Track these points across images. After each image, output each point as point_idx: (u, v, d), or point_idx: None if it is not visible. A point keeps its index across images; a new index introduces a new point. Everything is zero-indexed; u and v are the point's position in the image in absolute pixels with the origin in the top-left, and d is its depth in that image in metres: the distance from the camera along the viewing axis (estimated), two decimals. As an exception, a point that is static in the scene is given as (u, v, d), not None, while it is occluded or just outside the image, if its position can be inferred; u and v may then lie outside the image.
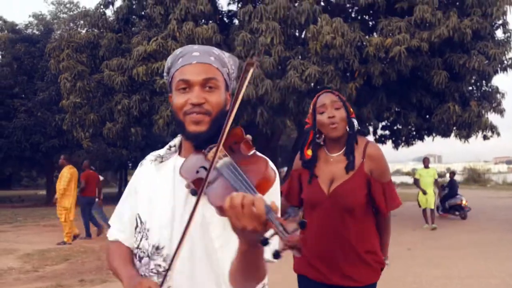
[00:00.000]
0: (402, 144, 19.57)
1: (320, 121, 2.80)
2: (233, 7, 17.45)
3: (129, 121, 15.73)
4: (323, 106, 2.79)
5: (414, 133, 18.79)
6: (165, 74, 1.71)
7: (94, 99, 16.41)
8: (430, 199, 14.08)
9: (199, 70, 1.56)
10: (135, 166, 44.29)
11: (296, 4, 13.81)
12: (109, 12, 17.26)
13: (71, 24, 29.73)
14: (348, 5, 15.39)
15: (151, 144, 28.06)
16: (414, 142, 19.56)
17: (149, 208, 1.63)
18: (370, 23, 15.73)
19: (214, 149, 1.37)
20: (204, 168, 1.44)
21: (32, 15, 34.09)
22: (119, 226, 1.76)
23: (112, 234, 1.78)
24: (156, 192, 1.64)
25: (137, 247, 1.65)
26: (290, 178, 3.07)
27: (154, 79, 14.02)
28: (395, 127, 18.69)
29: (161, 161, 1.70)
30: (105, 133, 15.98)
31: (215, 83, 1.56)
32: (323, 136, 2.87)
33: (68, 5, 35.34)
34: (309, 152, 2.91)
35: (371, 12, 15.10)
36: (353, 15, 15.98)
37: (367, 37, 13.70)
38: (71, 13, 33.30)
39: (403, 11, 13.62)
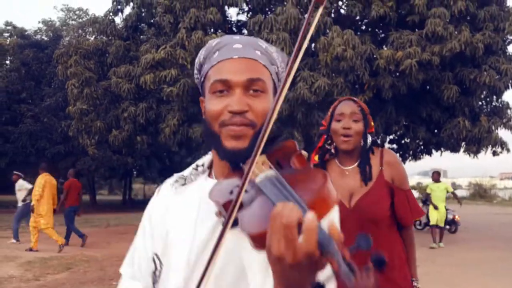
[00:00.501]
0: (410, 158, 19.38)
1: (334, 129, 2.65)
2: (243, 17, 17.40)
3: (135, 129, 15.64)
4: (341, 115, 2.63)
5: (422, 147, 18.62)
6: (195, 71, 1.29)
7: (101, 106, 16.33)
8: (441, 216, 13.37)
9: (241, 67, 1.16)
10: (140, 174, 44.58)
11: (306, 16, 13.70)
12: (118, 19, 17.24)
13: (80, 31, 29.82)
14: (358, 18, 15.29)
15: (157, 153, 27.97)
16: (421, 156, 19.38)
17: (166, 245, 1.26)
18: (381, 35, 15.62)
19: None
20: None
21: (41, 21, 34.27)
22: (132, 272, 1.35)
23: (124, 285, 1.36)
24: (175, 223, 1.26)
25: None
26: None
27: (162, 87, 13.93)
28: (402, 141, 18.53)
29: (184, 184, 1.31)
30: (110, 140, 15.89)
31: (262, 85, 1.16)
32: (334, 144, 2.72)
33: (77, 12, 35.53)
34: (316, 158, 2.75)
35: (381, 25, 14.99)
36: (363, 27, 15.88)
37: (377, 49, 13.58)
38: (80, 20, 33.43)
39: (415, 24, 13.51)
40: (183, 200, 1.28)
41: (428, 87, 14.56)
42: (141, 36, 17.21)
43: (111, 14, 16.89)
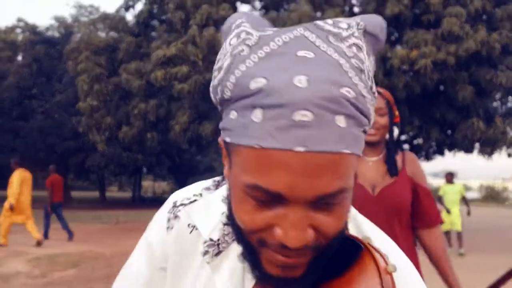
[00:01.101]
0: (422, 158, 19.15)
1: None
2: (256, 14, 17.22)
3: (145, 125, 15.54)
4: None
5: (435, 148, 18.39)
6: (214, 73, 0.71)
7: (111, 103, 16.27)
8: (456, 220, 12.49)
9: (311, 172, 0.63)
10: (150, 172, 44.65)
11: (321, 14, 13.55)
12: (129, 16, 17.18)
13: (92, 27, 29.85)
14: (372, 16, 15.07)
15: (167, 150, 27.93)
16: (434, 157, 19.16)
17: None
18: (395, 35, 15.40)
19: None
20: None
21: (53, 18, 34.41)
22: None
23: None
24: None
25: None
26: None
27: (172, 84, 13.81)
28: (415, 142, 18.30)
29: (218, 253, 0.87)
30: (120, 137, 15.82)
31: (341, 196, 0.67)
32: None
33: (89, 9, 35.55)
34: None
35: (396, 24, 14.78)
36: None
37: (391, 49, 13.37)
38: (92, 16, 33.48)
39: (430, 23, 13.30)
40: (220, 274, 0.86)
41: (442, 87, 14.33)
42: (152, 33, 17.12)
43: (122, 10, 16.81)
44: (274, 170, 0.63)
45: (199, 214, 0.91)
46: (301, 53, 0.65)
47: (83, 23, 33.85)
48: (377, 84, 13.31)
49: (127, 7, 16.67)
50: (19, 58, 31.22)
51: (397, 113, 2.63)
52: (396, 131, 2.58)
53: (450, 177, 12.90)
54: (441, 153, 18.58)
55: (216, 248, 0.87)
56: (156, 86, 14.45)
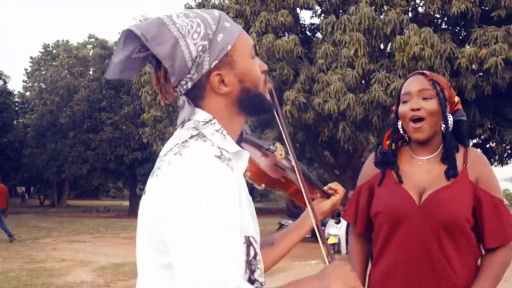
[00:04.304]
0: (496, 163, 18.18)
1: (401, 113, 2.03)
2: (316, 21, 16.98)
3: (207, 135, 15.63)
4: (407, 94, 2.01)
5: (510, 151, 17.41)
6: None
7: (174, 113, 16.46)
8: None
9: None
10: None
11: (382, 16, 13.14)
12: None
13: (157, 40, 30.55)
14: (438, 15, 14.49)
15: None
16: (509, 161, 18.15)
17: (255, 226, 1.23)
18: (463, 33, 14.71)
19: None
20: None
21: (120, 32, 35.51)
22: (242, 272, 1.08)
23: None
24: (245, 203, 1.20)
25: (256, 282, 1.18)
26: (355, 195, 2.20)
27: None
28: (487, 145, 17.41)
29: (227, 160, 1.17)
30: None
31: None
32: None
33: (155, 22, 36.50)
34: (387, 143, 2.12)
35: (463, 22, 14.11)
36: (443, 25, 15.03)
37: (459, 48, 12.75)
38: (157, 29, 34.33)
39: (501, 19, 12.56)
40: (237, 178, 1.19)
41: (515, 86, 13.53)
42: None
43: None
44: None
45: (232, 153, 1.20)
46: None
47: (149, 36, 34.86)
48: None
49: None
50: (90, 72, 32.43)
51: (455, 99, 2.13)
52: (450, 121, 2.03)
53: None
54: (517, 157, 17.61)
55: (223, 158, 1.15)
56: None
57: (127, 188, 40.36)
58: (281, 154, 1.53)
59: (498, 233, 1.93)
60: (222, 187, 1.07)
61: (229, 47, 1.19)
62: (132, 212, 31.06)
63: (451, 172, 1.96)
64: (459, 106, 2.14)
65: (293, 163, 1.49)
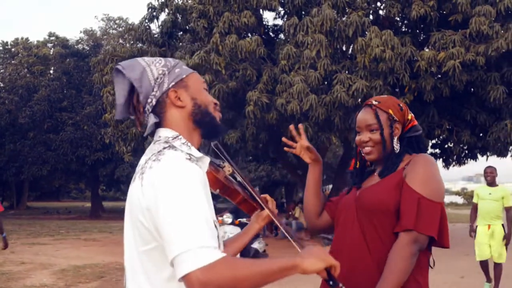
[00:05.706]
0: (454, 163, 18.64)
1: (356, 142, 2.46)
2: (279, 22, 17.09)
3: (171, 135, 15.52)
4: (359, 127, 2.43)
5: (467, 151, 17.87)
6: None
7: (137, 113, 16.32)
8: (496, 245, 8.27)
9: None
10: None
11: (344, 18, 13.30)
12: (154, 26, 17.21)
13: (120, 40, 30.17)
14: (398, 18, 14.77)
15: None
16: (466, 161, 18.61)
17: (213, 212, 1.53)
18: (422, 36, 15.04)
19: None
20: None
21: (83, 31, 34.97)
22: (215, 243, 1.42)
23: (216, 253, 1.37)
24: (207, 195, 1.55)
25: None
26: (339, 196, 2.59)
27: (196, 93, 13.75)
28: (446, 146, 17.84)
29: (195, 160, 1.61)
30: (146, 147, 15.81)
31: None
32: None
33: (117, 21, 36.01)
34: (354, 163, 2.55)
35: (422, 25, 14.43)
36: (403, 28, 15.34)
37: (418, 51, 13.03)
38: (120, 28, 33.88)
39: (458, 23, 12.90)
40: (204, 175, 1.57)
41: (472, 89, 13.90)
42: (178, 43, 17.12)
43: (146, 21, 16.85)
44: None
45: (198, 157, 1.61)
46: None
47: (112, 35, 34.36)
48: (404, 87, 13.02)
49: (150, 18, 16.68)
50: (51, 71, 31.80)
51: (409, 116, 2.39)
52: (396, 145, 2.33)
53: (491, 178, 8.38)
54: (474, 157, 18.05)
55: (190, 158, 1.57)
56: (181, 95, 14.42)
57: (89, 189, 39.72)
58: (229, 170, 1.97)
59: (401, 220, 2.13)
60: (195, 180, 1.44)
61: (184, 76, 1.63)
62: (94, 213, 30.59)
63: (384, 173, 2.30)
64: (414, 123, 2.42)
65: (239, 179, 1.98)
